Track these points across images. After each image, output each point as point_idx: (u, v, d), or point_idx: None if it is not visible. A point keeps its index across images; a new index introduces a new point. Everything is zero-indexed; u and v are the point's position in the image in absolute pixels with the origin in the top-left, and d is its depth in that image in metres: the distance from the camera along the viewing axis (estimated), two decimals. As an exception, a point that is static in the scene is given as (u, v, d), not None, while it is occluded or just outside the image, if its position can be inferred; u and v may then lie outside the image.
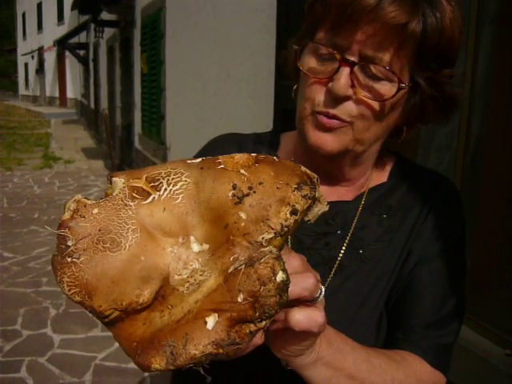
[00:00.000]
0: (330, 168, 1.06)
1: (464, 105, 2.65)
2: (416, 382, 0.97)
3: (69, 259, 0.64)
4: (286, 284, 0.61)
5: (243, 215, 0.65)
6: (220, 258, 0.65)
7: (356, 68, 0.91)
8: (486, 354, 2.29)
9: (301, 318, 0.72)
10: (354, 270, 1.06)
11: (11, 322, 4.67)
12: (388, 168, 1.14)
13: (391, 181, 1.13)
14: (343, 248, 1.07)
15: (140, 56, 9.53)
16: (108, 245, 0.65)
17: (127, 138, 11.49)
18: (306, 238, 1.07)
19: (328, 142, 0.95)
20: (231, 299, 0.61)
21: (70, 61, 27.15)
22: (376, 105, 0.93)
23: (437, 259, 1.06)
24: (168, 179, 0.69)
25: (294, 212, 0.65)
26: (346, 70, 0.91)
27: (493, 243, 2.59)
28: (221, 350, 0.60)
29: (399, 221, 1.08)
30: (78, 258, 0.64)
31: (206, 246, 0.66)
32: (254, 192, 0.66)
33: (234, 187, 0.67)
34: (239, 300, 0.60)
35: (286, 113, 3.52)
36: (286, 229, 0.65)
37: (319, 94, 0.95)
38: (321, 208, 0.71)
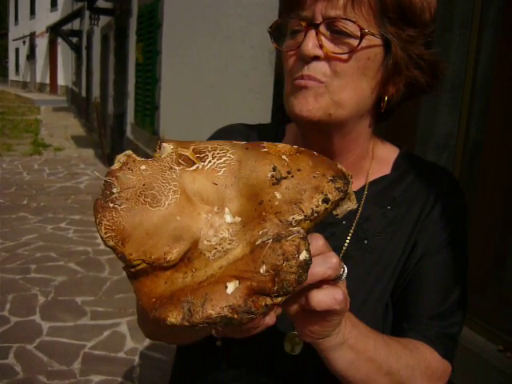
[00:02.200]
0: (322, 142, 1.06)
1: (463, 104, 2.67)
2: (426, 368, 1.00)
3: (111, 204, 0.69)
4: (307, 263, 0.65)
5: (278, 195, 0.70)
6: (250, 230, 0.68)
7: (322, 28, 0.94)
8: (479, 350, 2.32)
9: (320, 297, 0.75)
10: (359, 260, 1.07)
11: (-1, 308, 4.64)
12: (391, 160, 1.16)
13: (395, 173, 1.14)
14: (348, 238, 1.08)
15: (135, 45, 9.48)
16: (149, 199, 0.70)
17: (119, 128, 11.43)
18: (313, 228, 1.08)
19: (308, 100, 0.96)
20: (254, 269, 0.64)
21: (62, 48, 26.98)
22: (347, 59, 0.95)
23: (442, 251, 1.07)
24: (214, 153, 0.75)
25: (325, 200, 0.70)
26: (311, 33, 0.94)
27: (487, 241, 2.62)
28: (235, 316, 0.62)
29: (403, 213, 1.10)
30: (119, 205, 0.69)
31: (238, 219, 0.70)
32: (292, 176, 0.71)
33: (274, 169, 0.72)
34: (261, 271, 0.64)
35: (283, 109, 3.51)
36: (315, 214, 0.69)
37: (293, 65, 0.98)
38: (350, 205, 0.75)
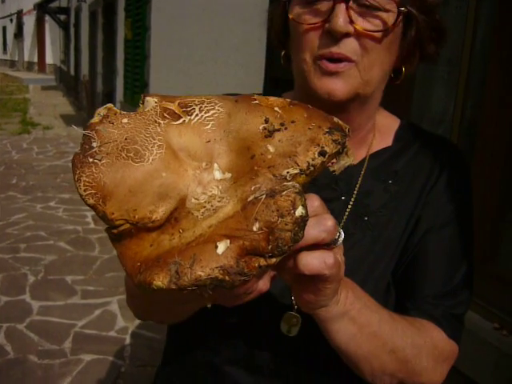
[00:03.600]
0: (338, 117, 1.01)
1: (460, 79, 2.62)
2: (433, 348, 0.95)
3: (90, 159, 0.64)
4: (304, 220, 0.60)
5: (271, 148, 0.65)
6: (241, 186, 0.64)
7: (351, 2, 0.88)
8: (475, 328, 2.31)
9: (309, 259, 0.69)
10: (358, 238, 1.02)
11: (-12, 288, 4.59)
12: (392, 132, 1.11)
13: (396, 145, 1.09)
14: (346, 214, 1.03)
15: (124, 22, 9.34)
16: (132, 154, 0.65)
17: (108, 106, 11.27)
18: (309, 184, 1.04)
19: (338, 87, 0.91)
20: (246, 227, 0.60)
21: (50, 25, 26.65)
22: (379, 37, 0.90)
23: (447, 226, 1.03)
24: (201, 106, 0.70)
25: (322, 153, 0.65)
26: (341, 6, 0.88)
27: (484, 219, 2.59)
28: (227, 277, 0.58)
29: (406, 187, 1.05)
30: (99, 160, 0.64)
31: (228, 175, 0.66)
32: (286, 128, 0.67)
33: (266, 121, 0.67)
34: (254, 229, 0.59)
35: (278, 82, 3.46)
36: (311, 168, 0.64)
37: (317, 39, 0.92)
38: (347, 161, 0.70)
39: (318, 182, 1.02)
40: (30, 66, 35.84)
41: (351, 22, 0.88)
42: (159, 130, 0.67)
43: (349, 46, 0.90)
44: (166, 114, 0.69)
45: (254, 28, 3.98)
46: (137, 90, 8.49)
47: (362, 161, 1.06)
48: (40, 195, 7.47)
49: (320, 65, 0.92)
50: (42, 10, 20.67)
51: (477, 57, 2.58)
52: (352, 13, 0.88)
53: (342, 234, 0.74)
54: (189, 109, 0.70)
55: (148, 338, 3.92)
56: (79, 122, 14.27)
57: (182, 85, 6.12)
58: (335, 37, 0.89)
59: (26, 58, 36.55)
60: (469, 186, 1.08)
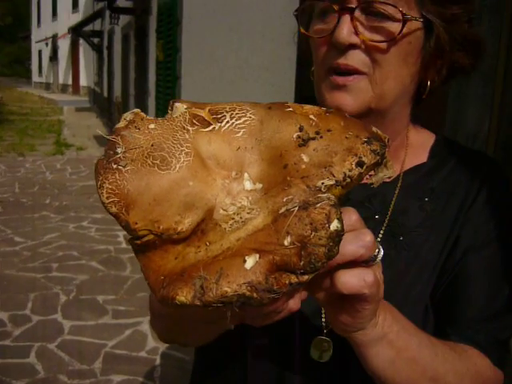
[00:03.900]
0: None
1: (496, 94, 2.55)
2: (476, 375, 0.89)
3: (114, 165, 0.62)
4: (339, 235, 0.56)
5: (305, 158, 0.62)
6: (272, 197, 0.61)
7: (357, 13, 0.86)
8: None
9: (347, 277, 0.66)
10: (394, 259, 0.97)
11: (21, 307, 4.62)
12: (427, 147, 1.06)
13: (432, 161, 1.04)
14: (381, 234, 0.98)
15: (155, 43, 9.45)
16: (158, 161, 0.62)
17: (140, 127, 11.39)
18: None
19: (347, 101, 0.88)
20: (277, 241, 0.56)
21: (84, 48, 27.14)
22: (388, 47, 0.86)
23: (488, 246, 0.97)
24: (232, 113, 0.67)
25: (359, 164, 0.61)
26: (346, 18, 0.85)
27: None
28: (255, 294, 0.54)
29: (443, 205, 1.00)
30: (123, 166, 0.61)
31: (258, 185, 0.63)
32: (321, 137, 0.63)
33: (301, 129, 0.64)
34: (285, 243, 0.56)
35: (308, 101, 3.43)
36: (348, 179, 0.60)
37: (325, 53, 0.90)
38: (387, 174, 0.66)
39: (351, 199, 0.98)
40: (64, 88, 36.55)
41: (357, 33, 0.85)
42: (187, 137, 0.65)
43: (356, 58, 0.87)
44: (195, 121, 0.66)
45: (283, 46, 3.97)
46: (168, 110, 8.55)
47: (396, 178, 1.01)
48: (73, 215, 7.54)
49: (330, 79, 0.89)
50: (76, 33, 21.07)
51: (512, 71, 2.51)
52: (357, 24, 0.86)
53: (382, 250, 0.70)
54: (219, 116, 0.67)
55: (178, 358, 3.89)
56: (112, 142, 14.43)
57: (213, 104, 6.13)
58: (340, 48, 0.86)
59: (61, 81, 37.29)
60: (509, 201, 1.02)
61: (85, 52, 27.80)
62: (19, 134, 15.75)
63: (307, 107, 0.67)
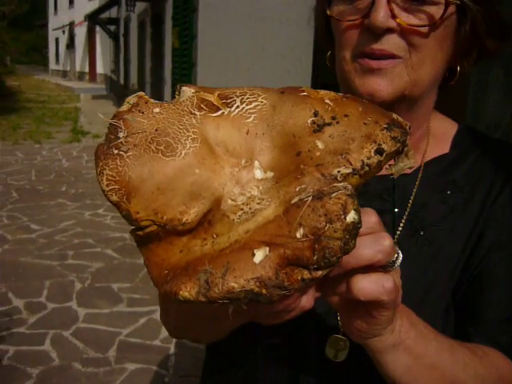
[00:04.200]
0: None
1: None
2: (498, 380, 0.84)
3: (115, 151, 0.58)
4: (356, 227, 0.52)
5: (320, 145, 0.57)
6: (284, 186, 0.56)
7: None
8: None
9: (365, 283, 0.62)
10: (414, 255, 0.92)
11: (36, 295, 4.63)
12: (449, 138, 1.01)
13: (454, 152, 0.99)
14: (400, 228, 0.94)
15: (171, 31, 9.42)
16: (162, 147, 0.58)
17: (156, 114, 11.41)
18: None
19: (381, 86, 0.83)
20: (288, 233, 0.52)
21: (101, 36, 27.20)
22: (426, 32, 0.82)
23: None
24: (242, 98, 0.63)
25: (379, 151, 0.56)
26: (382, 0, 0.80)
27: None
28: (264, 291, 0.51)
29: (466, 198, 0.95)
30: (125, 152, 0.58)
31: (270, 174, 0.58)
32: (338, 123, 0.58)
33: (316, 114, 0.59)
34: (298, 236, 0.52)
35: (325, 87, 3.37)
36: (366, 168, 0.56)
37: (357, 36, 0.84)
38: (407, 163, 0.61)
39: (368, 191, 0.93)
40: (81, 76, 36.68)
41: (393, 16, 0.80)
42: (194, 122, 0.61)
43: (392, 42, 0.82)
44: (203, 105, 0.62)
45: (300, 33, 3.91)
46: (184, 97, 8.53)
47: (417, 169, 0.97)
48: (89, 203, 7.55)
49: (360, 62, 0.84)
50: (92, 21, 21.14)
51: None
52: (394, 7, 0.81)
53: (401, 255, 0.66)
54: (229, 100, 0.63)
55: (192, 347, 3.87)
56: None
57: (228, 92, 6.10)
58: (376, 33, 0.81)
59: (78, 68, 37.43)
60: None
61: (101, 39, 27.86)
62: (36, 122, 15.83)
63: (323, 92, 0.62)
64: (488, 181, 0.95)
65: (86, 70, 35.23)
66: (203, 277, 0.51)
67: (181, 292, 0.51)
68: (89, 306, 4.47)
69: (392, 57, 0.82)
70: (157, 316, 4.32)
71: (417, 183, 0.96)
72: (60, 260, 5.42)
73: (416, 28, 0.81)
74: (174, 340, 3.97)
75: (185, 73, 8.45)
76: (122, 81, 19.66)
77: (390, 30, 0.81)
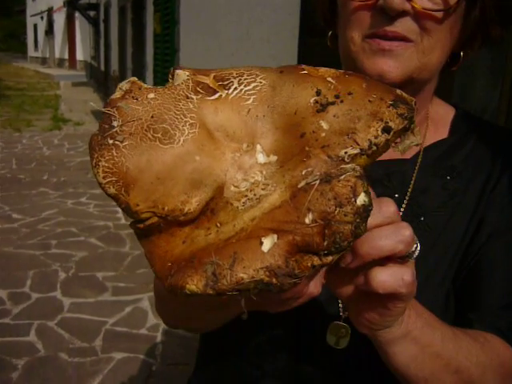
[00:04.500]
0: None
1: (508, 65, 2.47)
2: (499, 366, 0.84)
3: (110, 141, 0.56)
4: (367, 210, 0.50)
5: (325, 125, 0.55)
6: (290, 170, 0.54)
7: None
8: None
9: (385, 276, 0.61)
10: None
11: (20, 285, 4.58)
12: (447, 122, 1.01)
13: (453, 137, 0.99)
14: (401, 214, 0.91)
15: (153, 16, 9.31)
16: (159, 135, 0.56)
17: (138, 101, 11.31)
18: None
19: (391, 68, 0.82)
20: (297, 219, 0.50)
21: (80, 22, 26.87)
22: (440, 17, 0.81)
23: None
24: (240, 79, 0.60)
25: (386, 129, 0.55)
26: None
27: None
28: (274, 280, 0.49)
29: (465, 184, 0.94)
30: (121, 142, 0.55)
31: (273, 158, 0.56)
32: (342, 101, 0.56)
33: (318, 93, 0.57)
34: (307, 221, 0.50)
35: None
36: (374, 147, 0.54)
37: (369, 17, 0.83)
38: (414, 141, 0.59)
39: (369, 177, 0.92)
40: (60, 63, 36.25)
41: None
42: (191, 107, 0.58)
43: (405, 25, 0.81)
44: (199, 89, 0.59)
45: (285, 18, 3.87)
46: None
47: (416, 154, 0.96)
48: (71, 191, 7.48)
49: (371, 43, 0.82)
50: (71, 6, 20.84)
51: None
52: None
53: (419, 246, 0.64)
54: (226, 82, 0.60)
55: (179, 335, 3.85)
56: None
57: (212, 78, 6.04)
58: (390, 15, 0.80)
59: (57, 55, 36.98)
60: None
61: (81, 25, 27.51)
62: (16, 110, 15.61)
63: (323, 69, 0.60)
64: (486, 167, 0.95)
65: (66, 56, 34.81)
66: (210, 269, 0.49)
67: (187, 286, 0.49)
68: (73, 296, 4.43)
69: (404, 39, 0.82)
70: (143, 304, 4.30)
71: (416, 168, 0.95)
72: (43, 249, 5.35)
73: (430, 12, 0.81)
74: (161, 328, 3.95)
75: (167, 58, 8.37)
76: (102, 67, 19.44)
77: (403, 13, 0.80)
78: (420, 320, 0.74)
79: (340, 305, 0.91)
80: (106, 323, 4.02)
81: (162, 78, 8.77)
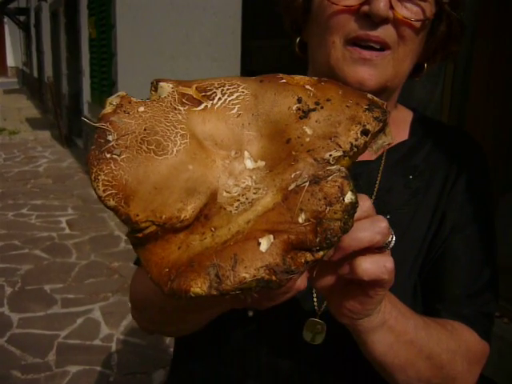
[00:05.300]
0: None
1: (448, 64, 2.55)
2: (466, 351, 0.92)
3: (108, 155, 0.57)
4: (354, 207, 0.55)
5: (308, 130, 0.60)
6: (279, 174, 0.59)
7: None
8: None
9: (368, 264, 0.65)
10: None
11: (-36, 302, 4.42)
12: (407, 124, 1.06)
13: (413, 138, 1.04)
14: None
15: (88, 20, 9.14)
16: (153, 147, 0.59)
17: (75, 107, 11.13)
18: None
19: (371, 76, 0.87)
20: (291, 219, 0.55)
21: (9, 27, 26.09)
22: (417, 26, 0.87)
23: (471, 224, 0.99)
24: (222, 89, 0.63)
25: (364, 132, 0.60)
26: None
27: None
28: (273, 277, 0.53)
29: (426, 182, 1.00)
30: (118, 155, 0.57)
31: (261, 163, 0.60)
32: (322, 107, 0.61)
33: (299, 100, 0.62)
34: (300, 221, 0.54)
35: (254, 75, 3.36)
36: (355, 149, 0.59)
37: (352, 22, 0.86)
38: (386, 140, 0.65)
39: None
40: (-10, 70, 35.08)
41: (391, 7, 0.84)
42: (180, 118, 0.61)
43: (387, 32, 0.85)
44: (184, 100, 0.63)
45: (226, 20, 3.88)
46: (104, 89, 8.31)
47: (380, 156, 1.00)
48: (11, 203, 7.27)
49: (352, 51, 0.86)
50: (0, 11, 20.19)
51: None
52: None
53: (394, 236, 0.69)
54: (209, 93, 0.64)
55: (134, 344, 3.82)
56: (45, 124, 13.98)
57: (153, 82, 5.98)
58: (374, 21, 0.84)
59: (-14, 62, 35.77)
60: (488, 179, 1.04)
61: (11, 31, 26.73)
62: None
63: (297, 77, 0.65)
64: (445, 166, 1.01)
65: (-4, 63, 33.72)
66: (213, 271, 0.52)
67: (192, 289, 0.52)
68: (22, 311, 4.31)
69: (384, 44, 0.86)
70: (94, 315, 4.23)
71: (381, 169, 1.00)
72: (-14, 264, 5.17)
73: (409, 21, 0.85)
74: (115, 338, 3.90)
75: (104, 63, 8.24)
76: (35, 73, 18.95)
77: (386, 20, 0.84)
78: (395, 310, 0.79)
79: (315, 301, 0.94)
80: (58, 336, 3.93)
81: (100, 83, 8.63)
